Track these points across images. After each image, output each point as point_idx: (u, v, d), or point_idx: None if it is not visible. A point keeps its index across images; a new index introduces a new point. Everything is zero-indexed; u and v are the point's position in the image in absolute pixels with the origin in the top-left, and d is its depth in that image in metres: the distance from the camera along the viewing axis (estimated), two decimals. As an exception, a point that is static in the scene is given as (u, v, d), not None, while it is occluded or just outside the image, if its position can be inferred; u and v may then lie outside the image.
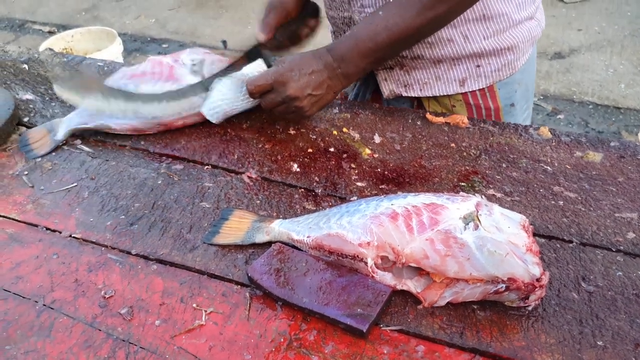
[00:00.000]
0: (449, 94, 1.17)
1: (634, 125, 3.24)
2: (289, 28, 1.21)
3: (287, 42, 1.23)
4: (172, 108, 1.10)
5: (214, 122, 1.12)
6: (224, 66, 1.16)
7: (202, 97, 1.12)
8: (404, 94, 1.19)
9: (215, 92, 1.10)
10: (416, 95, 1.19)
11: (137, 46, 4.59)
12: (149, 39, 4.70)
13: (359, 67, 1.04)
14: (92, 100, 1.06)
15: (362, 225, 0.78)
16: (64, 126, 1.13)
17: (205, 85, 1.13)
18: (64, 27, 4.76)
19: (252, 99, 1.10)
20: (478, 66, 1.14)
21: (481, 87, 1.16)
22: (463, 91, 1.16)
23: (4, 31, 5.06)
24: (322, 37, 1.29)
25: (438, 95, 1.18)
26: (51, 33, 4.72)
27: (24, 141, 1.12)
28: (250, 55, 1.17)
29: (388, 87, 1.20)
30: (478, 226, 0.74)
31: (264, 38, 1.17)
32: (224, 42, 4.36)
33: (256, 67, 1.09)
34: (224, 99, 1.10)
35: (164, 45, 4.57)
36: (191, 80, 1.13)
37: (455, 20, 1.08)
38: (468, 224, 0.74)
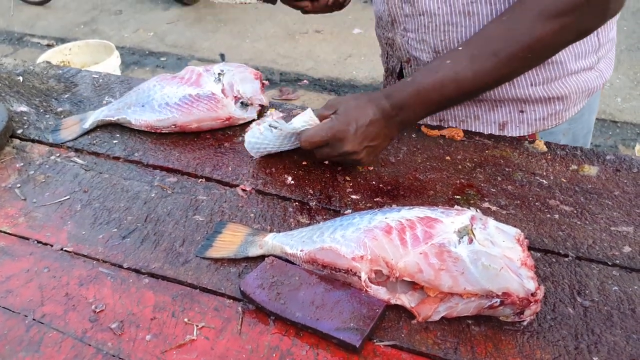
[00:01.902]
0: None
1: (630, 139, 3.25)
2: None
3: (328, 7, 1.22)
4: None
5: (253, 156, 1.09)
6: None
7: None
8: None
9: (262, 138, 1.04)
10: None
11: (136, 59, 4.60)
12: (147, 52, 4.71)
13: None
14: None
15: (355, 239, 0.77)
16: (92, 117, 1.21)
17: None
18: (63, 41, 4.78)
19: (297, 144, 1.05)
20: (521, 111, 1.08)
21: (522, 135, 1.10)
22: (502, 134, 1.10)
23: (2, 44, 5.08)
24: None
25: None
26: (50, 46, 4.74)
27: (56, 126, 1.21)
28: None
29: (423, 120, 1.15)
30: (472, 240, 0.73)
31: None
32: (222, 55, 4.38)
33: (306, 120, 1.00)
34: (270, 145, 1.05)
35: (162, 59, 4.58)
36: (213, 88, 1.15)
37: None
38: (462, 237, 0.73)
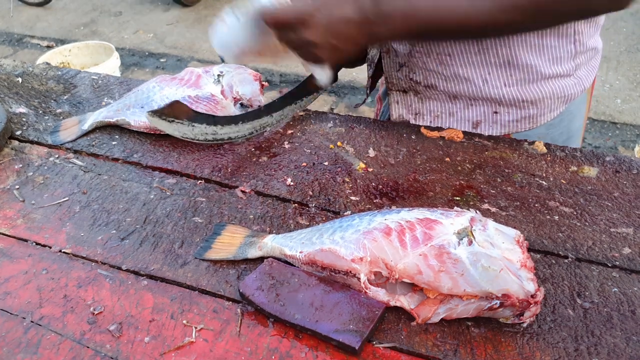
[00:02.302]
0: None
1: (630, 140, 3.25)
2: None
3: (357, 57, 1.19)
4: (246, 128, 1.12)
5: (226, 60, 1.05)
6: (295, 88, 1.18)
7: (272, 117, 1.14)
8: (412, 122, 1.16)
9: (229, 33, 0.98)
10: (426, 125, 1.15)
11: (135, 60, 4.60)
12: (147, 53, 4.71)
13: (396, 31, 0.92)
14: (179, 125, 1.06)
15: (355, 240, 0.77)
16: (91, 118, 1.20)
17: (277, 106, 1.15)
18: (62, 42, 4.78)
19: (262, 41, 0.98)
20: (495, 112, 1.09)
21: (496, 134, 1.11)
22: (475, 132, 1.11)
23: (2, 45, 5.08)
24: None
25: None
26: (49, 47, 4.74)
27: (55, 127, 1.20)
28: None
29: (398, 111, 1.18)
30: (472, 241, 0.73)
31: None
32: (222, 57, 4.38)
33: None
34: (240, 39, 0.98)
35: (161, 60, 4.58)
36: (213, 90, 1.15)
37: (475, 60, 1.03)
38: (462, 239, 0.73)
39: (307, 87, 1.18)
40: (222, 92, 1.15)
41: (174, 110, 1.05)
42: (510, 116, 1.09)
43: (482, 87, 1.06)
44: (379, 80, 1.33)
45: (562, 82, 1.08)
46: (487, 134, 1.11)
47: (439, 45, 1.05)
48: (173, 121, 1.05)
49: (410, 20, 0.90)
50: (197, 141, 1.09)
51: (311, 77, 1.11)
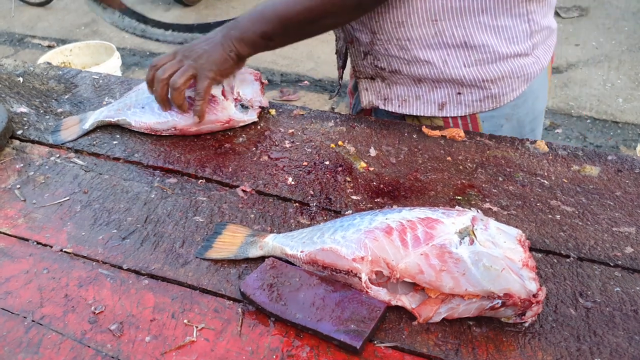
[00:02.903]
0: (427, 115, 1.16)
1: (632, 140, 3.24)
2: None
3: None
4: (174, 36, 1.27)
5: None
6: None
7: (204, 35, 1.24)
8: (382, 107, 1.20)
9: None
10: (394, 110, 1.19)
11: (136, 60, 4.60)
12: (147, 53, 4.71)
13: (246, 33, 1.08)
14: (110, 14, 1.18)
15: (356, 240, 0.77)
16: (92, 117, 1.20)
17: (210, 26, 1.30)
18: (63, 42, 4.78)
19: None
20: (459, 93, 1.12)
21: (462, 115, 1.14)
22: (442, 115, 1.15)
23: (3, 45, 5.08)
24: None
25: (416, 114, 1.17)
26: (50, 47, 4.74)
27: (56, 127, 1.20)
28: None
29: (368, 97, 1.21)
30: (474, 241, 0.72)
31: None
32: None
33: None
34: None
35: (162, 60, 4.58)
36: (213, 91, 1.16)
37: (433, 43, 1.07)
38: (463, 238, 0.73)
39: None
40: (223, 93, 1.14)
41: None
42: (473, 96, 1.12)
43: (443, 68, 1.10)
44: (349, 74, 1.38)
45: (521, 61, 1.11)
46: (452, 115, 1.14)
47: (397, 31, 1.09)
48: (106, 8, 1.17)
49: (258, 16, 1.08)
50: (128, 33, 1.22)
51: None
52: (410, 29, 1.07)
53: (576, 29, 4.41)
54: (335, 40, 1.30)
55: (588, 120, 3.42)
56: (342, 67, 1.31)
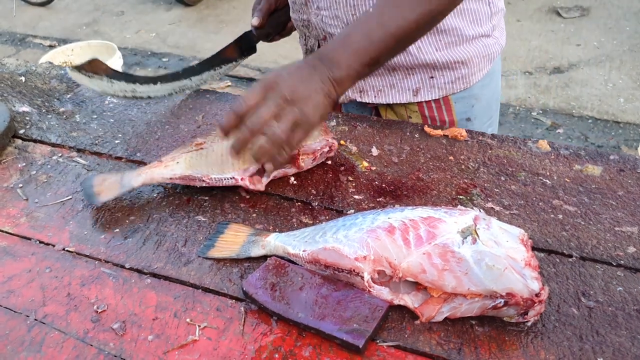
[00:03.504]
0: (402, 102, 1.19)
1: (633, 140, 3.24)
2: (277, 17, 1.30)
3: (274, 32, 1.31)
4: (165, 89, 1.21)
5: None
6: (214, 56, 1.27)
7: (192, 81, 1.23)
8: (359, 100, 1.21)
9: None
10: (370, 101, 1.20)
11: (138, 60, 4.60)
12: (149, 53, 4.72)
13: (351, 68, 0.90)
14: (98, 81, 1.14)
15: (358, 239, 0.77)
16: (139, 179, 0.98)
17: (196, 70, 1.24)
18: (65, 41, 4.79)
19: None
20: (431, 77, 1.16)
21: (435, 98, 1.18)
22: (416, 101, 1.18)
23: (4, 45, 5.08)
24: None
25: (392, 103, 1.19)
26: (52, 47, 4.74)
27: (87, 187, 0.97)
28: (241, 42, 1.28)
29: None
30: (476, 240, 0.72)
31: (258, 23, 1.24)
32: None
33: None
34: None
35: (164, 60, 4.58)
36: None
37: None
38: (466, 237, 0.73)
39: (226, 55, 1.29)
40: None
41: (92, 67, 1.13)
42: (445, 78, 1.16)
43: (417, 54, 1.13)
44: None
45: (484, 41, 1.18)
46: (426, 100, 1.18)
47: None
48: (93, 77, 1.12)
49: (356, 51, 0.91)
50: (117, 97, 1.17)
51: (231, 45, 1.26)
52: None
53: (577, 29, 4.41)
54: (302, 40, 1.28)
55: (589, 120, 3.42)
56: None
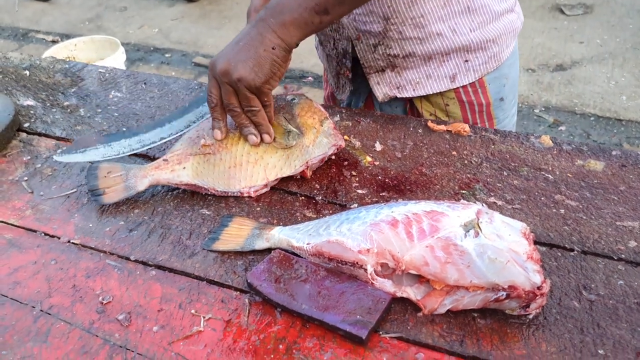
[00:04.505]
0: (441, 90, 1.19)
1: (635, 137, 3.24)
2: None
3: None
4: (172, 128, 1.06)
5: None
6: None
7: (198, 113, 1.08)
8: (398, 96, 1.21)
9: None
10: (409, 96, 1.20)
11: (140, 56, 4.60)
12: (152, 48, 4.72)
13: (295, 12, 0.92)
14: (94, 151, 1.02)
15: (362, 232, 0.78)
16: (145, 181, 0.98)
17: (198, 102, 1.10)
18: (68, 37, 4.79)
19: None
20: (466, 61, 1.16)
21: (471, 82, 1.19)
22: (454, 87, 1.18)
23: (7, 40, 5.09)
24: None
25: (431, 93, 1.19)
26: (54, 42, 4.75)
27: (92, 184, 0.97)
28: None
29: (381, 90, 1.21)
30: (479, 233, 0.73)
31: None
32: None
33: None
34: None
35: (166, 55, 4.58)
36: None
37: (443, 14, 1.10)
38: (468, 231, 0.73)
39: None
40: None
41: (81, 144, 1.03)
42: (479, 60, 1.17)
43: (453, 37, 1.13)
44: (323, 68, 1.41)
45: (509, 17, 1.19)
46: (463, 84, 1.18)
47: (411, 10, 1.10)
48: (85, 151, 1.02)
49: (318, 5, 0.92)
50: (125, 154, 1.02)
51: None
52: (423, 4, 1.10)
53: (580, 26, 4.40)
54: (330, 45, 1.27)
55: (592, 118, 3.42)
56: (349, 69, 1.26)
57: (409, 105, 1.25)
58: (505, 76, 1.22)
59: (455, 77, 1.17)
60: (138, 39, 4.89)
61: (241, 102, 0.95)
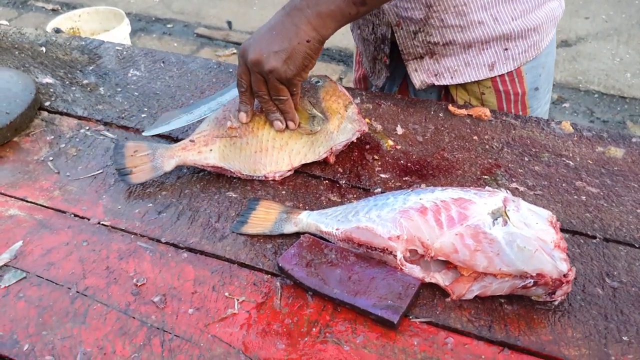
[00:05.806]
0: (479, 79, 1.18)
1: (638, 115, 3.25)
2: None
3: None
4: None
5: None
6: None
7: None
8: (436, 83, 1.20)
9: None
10: (447, 84, 1.20)
11: (142, 26, 4.56)
12: (153, 18, 4.66)
13: (332, 3, 0.90)
14: (177, 121, 1.06)
15: (391, 219, 0.79)
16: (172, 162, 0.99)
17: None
18: (67, 5, 4.73)
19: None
20: (506, 49, 1.16)
21: (509, 70, 1.18)
22: (492, 75, 1.18)
23: (6, 8, 5.02)
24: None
25: (469, 81, 1.19)
26: (54, 11, 4.69)
27: (120, 162, 0.98)
28: None
29: (419, 77, 1.21)
30: (507, 222, 0.75)
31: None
32: (229, 22, 4.34)
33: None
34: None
35: (168, 26, 4.54)
36: None
37: (485, 2, 1.10)
38: (497, 219, 0.75)
39: None
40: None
41: (164, 118, 1.07)
42: (518, 49, 1.17)
43: (494, 26, 1.13)
44: (355, 47, 1.40)
45: (551, 4, 1.18)
46: (501, 73, 1.18)
47: None
48: (170, 122, 1.05)
49: (348, 3, 0.91)
50: (205, 116, 1.05)
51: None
52: None
53: (586, 1, 4.37)
54: (369, 29, 1.26)
55: (595, 95, 3.42)
56: (387, 55, 1.25)
57: (444, 92, 1.24)
58: (542, 65, 1.21)
59: (494, 66, 1.17)
60: (139, 9, 4.83)
61: (270, 91, 0.95)
